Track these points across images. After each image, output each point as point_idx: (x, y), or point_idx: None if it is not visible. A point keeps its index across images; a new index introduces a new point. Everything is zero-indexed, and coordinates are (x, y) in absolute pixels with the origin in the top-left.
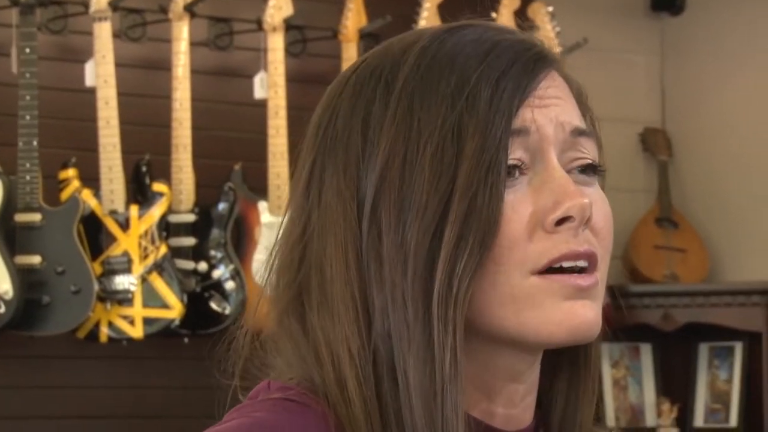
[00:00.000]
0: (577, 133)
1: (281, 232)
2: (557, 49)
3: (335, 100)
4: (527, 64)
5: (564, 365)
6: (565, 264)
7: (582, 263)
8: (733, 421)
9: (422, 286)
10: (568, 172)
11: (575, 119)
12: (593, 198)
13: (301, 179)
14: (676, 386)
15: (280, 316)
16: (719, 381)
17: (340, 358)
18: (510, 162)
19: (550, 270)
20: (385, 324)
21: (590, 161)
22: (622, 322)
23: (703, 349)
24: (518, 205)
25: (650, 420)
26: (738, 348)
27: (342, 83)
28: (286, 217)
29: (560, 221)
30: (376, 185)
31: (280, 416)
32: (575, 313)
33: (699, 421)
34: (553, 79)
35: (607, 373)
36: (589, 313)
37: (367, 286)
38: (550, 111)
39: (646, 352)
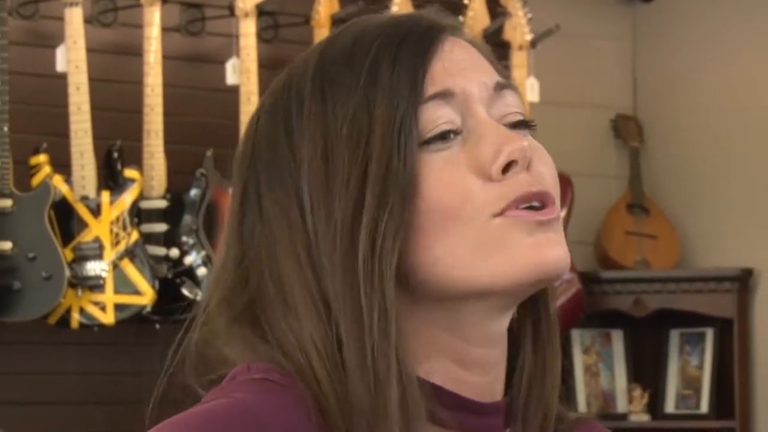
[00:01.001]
0: (500, 87)
1: (219, 260)
2: (529, 36)
3: (254, 128)
4: (423, 31)
5: (526, 337)
6: (522, 206)
7: (536, 203)
8: (704, 407)
9: (350, 254)
10: None
11: (494, 75)
12: (533, 145)
13: (234, 206)
14: (647, 372)
15: (228, 331)
16: (690, 367)
17: (308, 353)
18: (443, 126)
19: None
20: (339, 308)
21: (520, 116)
22: (593, 308)
23: (675, 336)
24: (455, 162)
25: (621, 406)
26: (709, 334)
27: (257, 113)
28: (222, 245)
29: (505, 168)
30: (308, 182)
31: (261, 396)
32: (542, 248)
33: (670, 407)
34: (457, 43)
35: (579, 360)
36: (556, 247)
37: (321, 279)
38: (467, 72)
39: (618, 338)
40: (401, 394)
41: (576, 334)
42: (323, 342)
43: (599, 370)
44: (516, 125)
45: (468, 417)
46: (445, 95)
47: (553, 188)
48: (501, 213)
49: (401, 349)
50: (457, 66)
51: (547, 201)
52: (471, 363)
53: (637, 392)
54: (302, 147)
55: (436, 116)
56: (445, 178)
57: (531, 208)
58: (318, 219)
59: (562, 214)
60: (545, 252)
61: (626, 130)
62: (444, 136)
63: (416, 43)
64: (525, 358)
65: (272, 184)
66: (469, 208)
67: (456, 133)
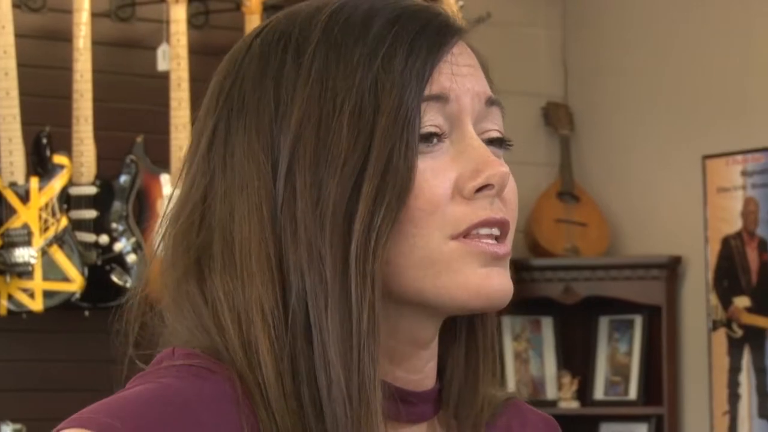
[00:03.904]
0: (491, 102)
1: (176, 197)
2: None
3: (238, 65)
4: (439, 28)
5: (461, 334)
6: (482, 231)
7: (496, 231)
8: (633, 393)
9: (340, 242)
10: None
11: (488, 89)
12: None
13: (201, 144)
14: (576, 359)
15: (178, 283)
16: (619, 354)
17: (250, 319)
18: (430, 129)
19: (468, 237)
20: (300, 283)
21: (499, 134)
22: (523, 295)
23: (604, 323)
24: (439, 170)
25: (551, 393)
26: (638, 321)
27: (244, 49)
28: (182, 183)
29: (480, 188)
30: (291, 145)
31: (186, 381)
32: (492, 280)
33: (599, 393)
34: (464, 47)
35: (509, 347)
36: (504, 280)
37: (282, 245)
38: (466, 80)
39: (547, 325)
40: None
41: (506, 321)
42: (272, 310)
43: (529, 357)
44: (493, 142)
45: (398, 405)
46: (440, 98)
47: (514, 217)
48: (458, 237)
49: None
50: (460, 71)
51: (506, 230)
52: (400, 360)
53: (567, 379)
54: (290, 106)
55: (427, 117)
56: (426, 185)
57: (491, 233)
58: (300, 189)
59: None
60: (495, 283)
61: (557, 117)
62: (428, 138)
63: (432, 39)
64: (460, 351)
65: (249, 130)
66: (431, 221)
67: (440, 139)
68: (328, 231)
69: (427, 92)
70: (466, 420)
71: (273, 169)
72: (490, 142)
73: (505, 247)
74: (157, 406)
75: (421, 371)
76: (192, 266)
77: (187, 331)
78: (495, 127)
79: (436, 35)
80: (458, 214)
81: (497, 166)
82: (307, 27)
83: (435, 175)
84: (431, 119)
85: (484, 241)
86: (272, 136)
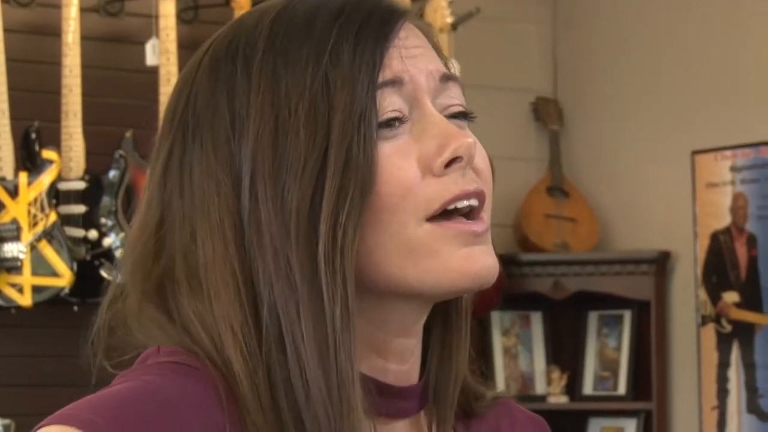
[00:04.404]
0: (446, 78)
1: (132, 227)
2: (450, 19)
3: (190, 83)
4: (384, 14)
5: (436, 321)
6: (459, 204)
7: (474, 202)
8: (622, 388)
9: (307, 246)
10: None
11: (441, 66)
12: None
13: (156, 168)
14: (565, 354)
15: (140, 309)
16: (608, 349)
17: (222, 338)
18: (390, 114)
19: (445, 214)
20: (271, 295)
21: (461, 108)
22: (513, 291)
23: (593, 318)
24: (405, 152)
25: (540, 388)
26: (627, 316)
27: (194, 67)
28: (139, 210)
29: (449, 163)
30: (251, 157)
31: (169, 379)
32: (476, 259)
33: (588, 388)
34: (411, 29)
35: (498, 342)
36: (487, 258)
37: (250, 259)
38: (418, 61)
39: (537, 320)
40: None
41: (495, 317)
42: (241, 327)
43: (518, 352)
44: (457, 116)
45: (387, 401)
46: (395, 83)
47: (489, 185)
48: (433, 216)
49: None
50: (410, 54)
51: (483, 200)
52: (390, 353)
53: (556, 374)
54: (246, 118)
55: (386, 103)
56: (393, 170)
57: (467, 206)
58: (263, 199)
59: None
60: (478, 262)
61: (546, 113)
62: (390, 124)
63: (377, 27)
64: (435, 343)
65: (205, 148)
66: (408, 204)
67: (402, 121)
68: (293, 236)
69: (380, 79)
70: (444, 403)
71: (235, 184)
72: (454, 117)
73: (483, 223)
74: (139, 404)
75: (407, 361)
76: (152, 293)
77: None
78: (455, 101)
79: (381, 22)
80: (430, 192)
81: (462, 138)
82: (252, 35)
83: (401, 157)
84: (390, 104)
85: (460, 221)
86: (230, 151)
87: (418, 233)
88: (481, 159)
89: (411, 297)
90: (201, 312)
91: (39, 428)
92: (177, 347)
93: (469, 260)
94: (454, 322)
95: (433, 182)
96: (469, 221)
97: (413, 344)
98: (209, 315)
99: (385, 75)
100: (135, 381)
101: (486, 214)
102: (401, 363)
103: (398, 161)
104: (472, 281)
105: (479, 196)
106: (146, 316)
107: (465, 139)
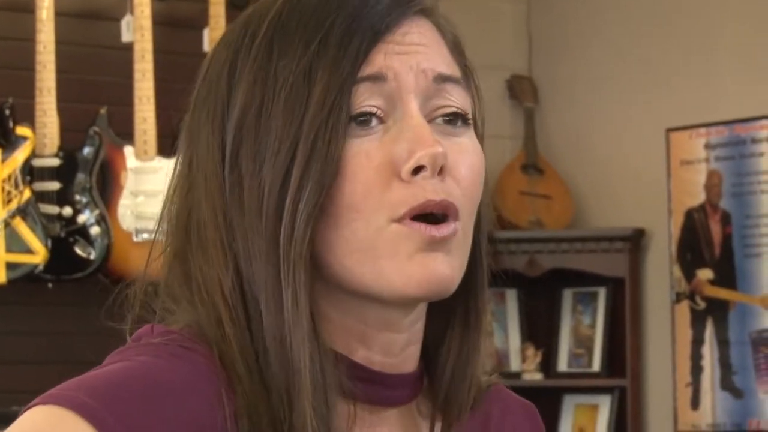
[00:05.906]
0: (441, 79)
1: (171, 182)
2: None
3: (214, 49)
4: (388, 7)
5: (456, 320)
6: (420, 215)
7: (438, 213)
8: (596, 365)
9: (273, 229)
10: (432, 120)
11: (440, 66)
12: (456, 148)
13: (185, 129)
14: (540, 331)
15: (170, 263)
16: (583, 326)
17: (214, 299)
18: (365, 108)
19: (411, 219)
20: (247, 269)
21: (455, 109)
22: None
23: (567, 295)
24: (372, 152)
25: (515, 365)
26: (601, 293)
27: (223, 36)
28: (176, 168)
29: (415, 170)
30: (234, 132)
31: (162, 360)
32: (427, 267)
33: (563, 365)
34: (418, 26)
35: None
36: (441, 267)
37: (233, 231)
38: (410, 58)
39: (512, 297)
40: (314, 366)
41: None
42: (229, 291)
43: (493, 329)
44: (450, 118)
45: (370, 387)
46: (376, 79)
47: (463, 198)
48: (399, 220)
49: (317, 325)
50: (403, 50)
51: (449, 212)
52: (375, 345)
53: (531, 351)
54: (238, 93)
55: (361, 99)
56: (357, 168)
57: (431, 218)
58: (245, 174)
59: None
60: (431, 269)
61: (521, 90)
62: (364, 121)
63: (374, 19)
64: (452, 337)
65: (208, 116)
66: (369, 205)
67: (380, 120)
68: (263, 218)
69: (360, 73)
70: (454, 404)
71: (222, 156)
72: (448, 120)
73: (448, 228)
74: (132, 385)
75: (397, 355)
76: (180, 247)
77: (180, 308)
78: (450, 102)
79: (380, 14)
80: (396, 198)
81: (429, 146)
82: (264, 13)
83: (370, 158)
84: (365, 100)
85: (422, 225)
86: (223, 123)
87: (382, 232)
88: (465, 167)
89: (370, 297)
90: (203, 270)
91: (29, 408)
92: (173, 327)
93: (422, 266)
94: (473, 323)
95: (400, 187)
96: (431, 225)
97: (403, 339)
98: (207, 274)
99: (366, 70)
100: (129, 361)
101: (461, 224)
102: (387, 356)
103: (363, 160)
104: (420, 289)
105: (446, 208)
106: (173, 274)
107: (432, 148)
